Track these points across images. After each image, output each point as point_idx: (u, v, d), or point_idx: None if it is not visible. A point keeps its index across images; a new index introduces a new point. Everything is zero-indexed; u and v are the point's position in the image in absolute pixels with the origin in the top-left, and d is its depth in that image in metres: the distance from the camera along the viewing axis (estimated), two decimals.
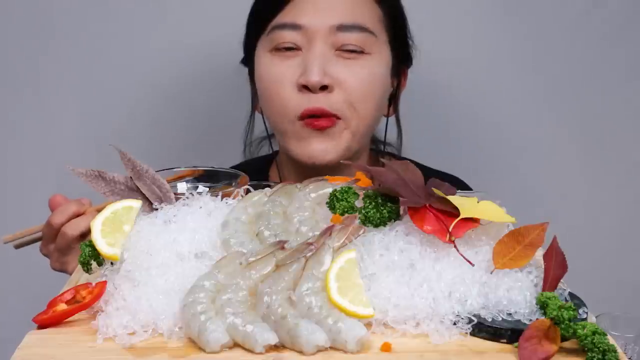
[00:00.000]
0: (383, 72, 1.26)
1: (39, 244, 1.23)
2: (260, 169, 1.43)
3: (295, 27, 1.22)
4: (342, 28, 1.22)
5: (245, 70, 1.37)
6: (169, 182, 1.06)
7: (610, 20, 1.62)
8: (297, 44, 1.23)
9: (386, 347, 0.79)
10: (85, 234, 1.14)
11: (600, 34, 1.62)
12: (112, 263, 0.91)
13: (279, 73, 1.23)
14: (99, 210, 1.13)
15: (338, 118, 1.22)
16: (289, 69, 1.23)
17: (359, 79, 1.22)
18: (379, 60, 1.25)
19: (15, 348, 0.80)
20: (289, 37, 1.23)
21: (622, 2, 1.61)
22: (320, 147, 1.23)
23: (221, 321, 0.80)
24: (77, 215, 1.16)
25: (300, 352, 0.78)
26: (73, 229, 1.14)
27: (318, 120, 1.22)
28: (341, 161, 1.23)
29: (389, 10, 1.28)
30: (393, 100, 1.35)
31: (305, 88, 1.21)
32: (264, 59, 1.26)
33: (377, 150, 1.41)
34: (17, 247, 1.24)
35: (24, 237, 1.23)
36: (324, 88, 1.21)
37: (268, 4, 1.26)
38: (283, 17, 1.24)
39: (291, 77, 1.22)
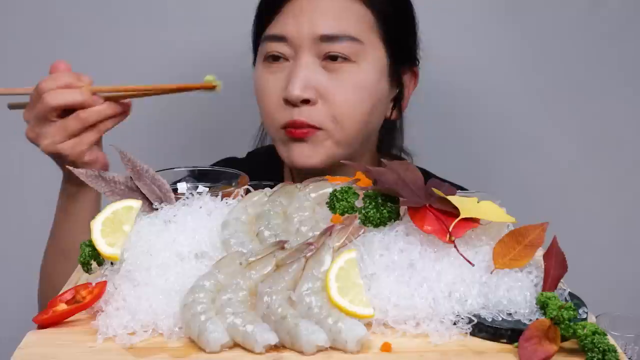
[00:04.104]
0: (373, 79, 1.24)
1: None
2: (271, 157, 1.42)
3: (280, 38, 1.23)
4: (325, 38, 1.21)
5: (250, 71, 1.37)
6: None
7: (610, 20, 1.62)
8: (285, 54, 1.23)
9: (386, 347, 0.79)
10: (68, 109, 1.09)
11: (600, 34, 1.62)
12: (112, 263, 0.91)
13: (267, 85, 1.25)
14: (94, 93, 1.08)
15: (319, 129, 1.22)
16: (275, 82, 1.24)
17: (344, 91, 1.22)
18: (368, 67, 1.24)
19: (15, 348, 0.80)
20: (276, 48, 1.23)
21: (622, 2, 1.61)
22: (300, 152, 1.23)
23: (221, 321, 0.80)
24: (69, 87, 1.10)
25: (300, 352, 0.78)
26: (54, 97, 1.08)
27: (297, 130, 1.22)
28: (341, 161, 1.23)
29: (382, 12, 1.26)
30: (398, 102, 1.33)
31: (288, 102, 1.22)
32: (258, 69, 1.28)
33: (384, 152, 1.40)
34: (11, 107, 1.15)
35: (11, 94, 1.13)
36: (306, 101, 1.21)
37: (260, 15, 1.29)
38: (271, 28, 1.25)
39: (277, 90, 1.23)
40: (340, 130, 1.23)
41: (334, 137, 1.23)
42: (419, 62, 1.35)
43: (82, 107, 1.09)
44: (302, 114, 1.21)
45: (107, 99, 1.13)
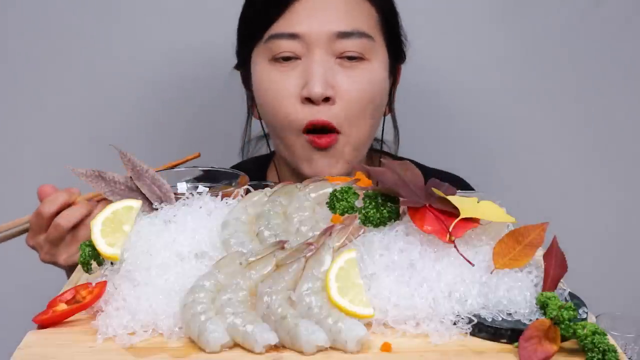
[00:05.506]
0: (383, 76, 1.25)
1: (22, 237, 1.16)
2: (258, 168, 1.42)
3: (293, 36, 1.20)
4: (341, 35, 1.20)
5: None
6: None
7: (610, 20, 1.62)
8: (296, 53, 1.21)
9: (386, 347, 0.79)
10: (78, 224, 1.11)
11: (600, 34, 1.62)
12: (112, 263, 0.91)
13: (280, 85, 1.22)
14: (88, 200, 1.12)
15: (338, 132, 1.22)
16: (289, 81, 1.21)
17: (360, 88, 1.21)
18: (378, 64, 1.24)
19: (15, 348, 0.80)
20: (287, 46, 1.21)
21: (622, 2, 1.61)
22: (324, 162, 1.23)
23: (221, 321, 0.80)
24: (68, 204, 1.12)
25: (300, 352, 0.78)
26: (66, 219, 1.10)
27: (320, 138, 1.21)
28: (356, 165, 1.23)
29: (384, 10, 1.27)
30: (390, 98, 1.34)
31: (308, 100, 1.20)
32: (263, 69, 1.24)
33: (374, 149, 1.40)
34: None
35: (8, 230, 1.15)
36: (326, 99, 1.20)
37: (263, 12, 1.24)
38: (280, 26, 1.21)
39: (293, 90, 1.21)
40: (355, 131, 1.23)
41: (352, 141, 1.23)
42: (405, 58, 1.35)
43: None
44: (324, 114, 1.20)
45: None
